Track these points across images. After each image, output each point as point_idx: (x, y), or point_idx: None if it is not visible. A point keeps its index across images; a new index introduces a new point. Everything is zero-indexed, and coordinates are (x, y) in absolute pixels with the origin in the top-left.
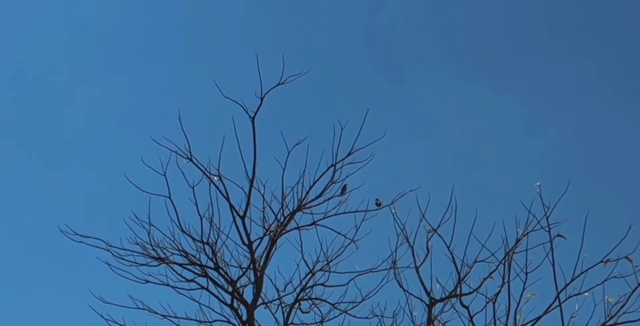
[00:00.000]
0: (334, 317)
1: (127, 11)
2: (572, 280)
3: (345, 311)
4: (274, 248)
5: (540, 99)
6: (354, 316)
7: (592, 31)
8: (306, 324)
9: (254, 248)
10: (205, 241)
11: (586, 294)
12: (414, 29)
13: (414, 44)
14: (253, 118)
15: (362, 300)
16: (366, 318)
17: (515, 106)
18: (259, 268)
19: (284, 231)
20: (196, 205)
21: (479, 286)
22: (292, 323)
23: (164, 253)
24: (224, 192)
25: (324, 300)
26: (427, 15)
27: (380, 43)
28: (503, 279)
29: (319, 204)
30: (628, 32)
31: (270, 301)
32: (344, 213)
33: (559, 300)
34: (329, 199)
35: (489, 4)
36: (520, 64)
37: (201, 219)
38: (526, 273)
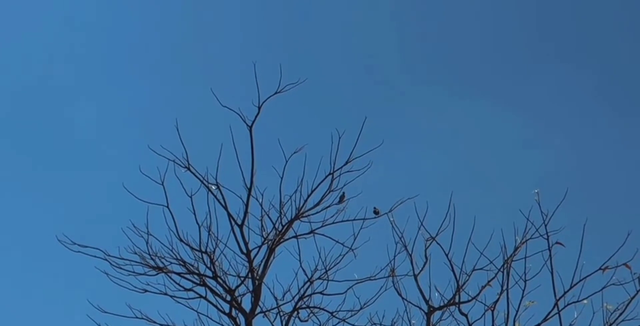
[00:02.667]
0: None
1: (125, 19)
2: (571, 287)
3: (344, 320)
4: (272, 256)
5: (538, 109)
6: (353, 325)
7: (586, 42)
8: None
9: (252, 257)
10: (203, 250)
11: (585, 301)
12: (412, 38)
13: (413, 53)
14: (251, 127)
15: (361, 308)
16: None
17: (513, 115)
18: (257, 277)
19: (282, 240)
20: (194, 214)
21: (478, 294)
22: None
23: (162, 263)
24: (222, 201)
25: (323, 309)
26: (425, 25)
27: (379, 52)
28: (502, 286)
29: (317, 212)
30: (624, 43)
31: (269, 310)
32: (342, 221)
33: (558, 308)
34: (327, 207)
35: (484, 17)
36: (517, 75)
37: (199, 228)
38: (525, 281)
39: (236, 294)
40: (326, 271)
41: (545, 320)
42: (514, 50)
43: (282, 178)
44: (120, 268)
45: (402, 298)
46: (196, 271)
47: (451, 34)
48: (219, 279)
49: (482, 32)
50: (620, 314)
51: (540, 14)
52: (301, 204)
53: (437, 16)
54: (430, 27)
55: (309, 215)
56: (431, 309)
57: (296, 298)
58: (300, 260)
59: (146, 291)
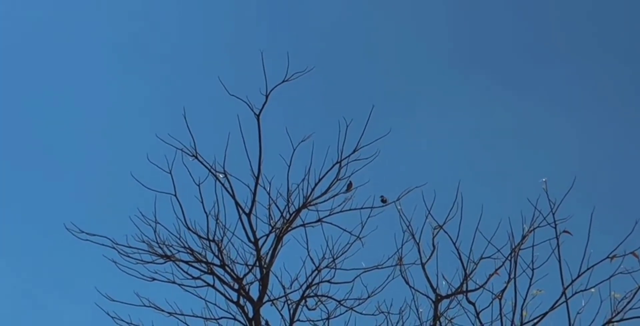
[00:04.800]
0: (340, 314)
1: (132, 9)
2: (579, 276)
3: (352, 308)
4: (279, 245)
5: (547, 96)
6: (360, 313)
7: (608, 34)
8: (312, 321)
9: (259, 245)
10: (211, 238)
11: (592, 290)
12: (420, 25)
13: (421, 39)
14: (258, 115)
15: (368, 296)
16: (372, 314)
17: (521, 102)
18: (265, 265)
19: (289, 228)
20: (202, 203)
21: (485, 283)
22: (298, 320)
23: (170, 251)
24: (229, 189)
25: (330, 297)
26: (436, 13)
27: (386, 39)
28: (509, 275)
29: (325, 201)
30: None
31: (277, 298)
32: (350, 209)
33: (565, 296)
34: (335, 196)
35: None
36: (527, 61)
37: (207, 216)
38: (532, 269)
39: (244, 282)
40: (334, 260)
41: (552, 308)
42: (525, 36)
43: (289, 167)
44: (128, 257)
45: (410, 287)
46: (204, 260)
47: (461, 18)
48: (226, 267)
49: (493, 16)
50: (628, 302)
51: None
52: (309, 193)
53: (448, 3)
54: (441, 16)
55: (316, 204)
56: (439, 297)
57: (304, 287)
58: (307, 249)
59: (154, 279)
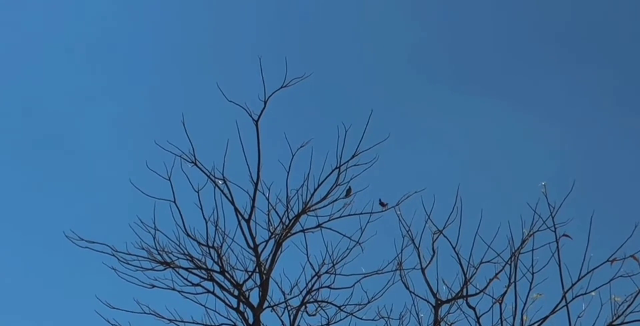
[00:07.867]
0: (341, 320)
1: (130, 14)
2: (579, 280)
3: (352, 314)
4: (279, 251)
5: (546, 103)
6: (361, 319)
7: (602, 42)
8: None
9: (259, 251)
10: (210, 245)
11: (593, 294)
12: (419, 32)
13: (419, 48)
14: (257, 121)
15: (368, 302)
16: (372, 320)
17: (522, 111)
18: (265, 271)
19: (289, 234)
20: (201, 209)
21: (486, 287)
22: None
23: (170, 258)
24: (228, 196)
25: (330, 303)
26: (435, 20)
27: (386, 46)
28: (509, 279)
29: (324, 206)
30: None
31: (277, 305)
32: (349, 215)
33: (566, 300)
34: (334, 201)
35: (495, 12)
36: (526, 71)
37: (206, 223)
38: (532, 273)
39: (244, 289)
40: (333, 265)
41: (553, 312)
42: (524, 49)
43: (288, 172)
44: (128, 264)
45: (410, 292)
46: (204, 266)
47: (461, 30)
48: (226, 274)
49: (493, 28)
50: (629, 306)
51: (556, 11)
52: (308, 199)
53: (447, 12)
54: (439, 23)
55: (315, 209)
56: (439, 302)
57: (304, 292)
58: (307, 254)
59: (154, 286)
